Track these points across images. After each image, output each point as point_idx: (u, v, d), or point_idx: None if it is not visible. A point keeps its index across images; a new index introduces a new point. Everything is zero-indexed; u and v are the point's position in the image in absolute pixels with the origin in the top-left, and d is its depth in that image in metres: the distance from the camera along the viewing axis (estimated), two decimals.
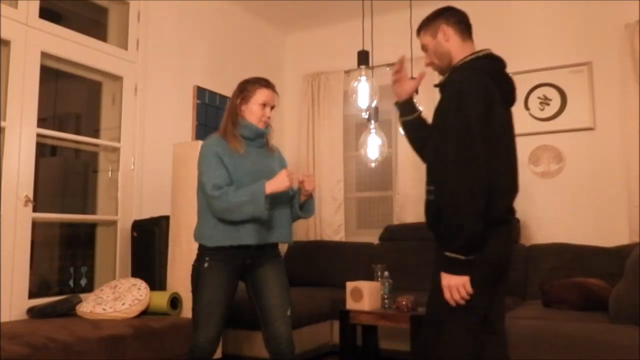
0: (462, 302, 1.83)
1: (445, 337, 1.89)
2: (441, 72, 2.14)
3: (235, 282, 2.52)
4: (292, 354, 2.48)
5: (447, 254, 1.82)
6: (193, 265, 2.51)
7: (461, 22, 2.08)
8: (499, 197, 1.88)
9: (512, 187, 1.97)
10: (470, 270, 1.82)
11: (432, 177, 1.98)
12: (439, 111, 1.96)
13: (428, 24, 2.12)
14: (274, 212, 2.47)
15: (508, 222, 1.94)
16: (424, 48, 2.13)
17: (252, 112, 2.56)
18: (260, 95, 2.59)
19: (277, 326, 2.46)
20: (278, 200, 2.49)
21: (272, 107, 2.61)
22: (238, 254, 2.45)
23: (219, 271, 2.44)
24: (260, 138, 2.59)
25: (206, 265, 2.43)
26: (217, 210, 2.37)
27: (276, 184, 2.32)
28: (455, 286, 1.82)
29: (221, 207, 2.35)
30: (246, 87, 2.61)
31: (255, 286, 2.53)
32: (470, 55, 2.04)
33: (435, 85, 2.13)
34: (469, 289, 1.82)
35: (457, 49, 2.06)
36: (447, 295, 1.85)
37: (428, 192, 2.00)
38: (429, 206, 2.00)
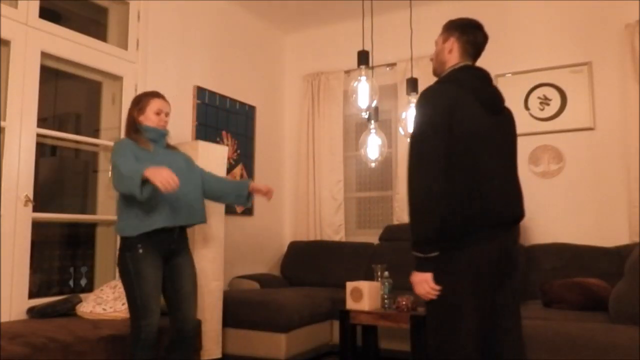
0: (431, 296, 1.97)
1: (445, 340, 1.96)
2: (434, 73, 2.29)
3: (163, 268, 2.71)
4: (194, 334, 2.82)
5: (413, 253, 1.98)
6: (123, 257, 2.63)
7: (471, 44, 2.18)
8: (467, 203, 1.96)
9: (495, 192, 2.01)
10: (431, 269, 1.96)
11: None
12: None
13: (447, 28, 2.24)
14: (185, 196, 2.72)
15: (485, 227, 1.98)
16: (435, 43, 2.27)
17: (150, 119, 2.80)
18: (155, 104, 2.81)
19: (187, 312, 2.74)
20: (188, 184, 2.75)
21: (167, 114, 2.86)
22: (165, 239, 2.67)
23: (153, 255, 2.62)
24: (162, 138, 2.85)
25: (141, 251, 2.60)
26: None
27: (154, 174, 2.39)
28: (419, 282, 1.98)
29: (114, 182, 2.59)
30: (141, 100, 2.84)
31: (172, 273, 2.74)
32: (448, 68, 2.18)
33: None
34: (432, 285, 1.96)
35: (451, 63, 2.18)
36: (415, 290, 2.01)
37: None
38: None
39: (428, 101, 2.04)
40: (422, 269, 1.97)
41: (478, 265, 1.96)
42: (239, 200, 3.03)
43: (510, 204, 2.11)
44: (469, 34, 2.18)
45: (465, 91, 2.05)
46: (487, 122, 2.06)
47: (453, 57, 2.18)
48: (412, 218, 1.97)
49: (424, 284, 1.96)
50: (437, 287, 1.96)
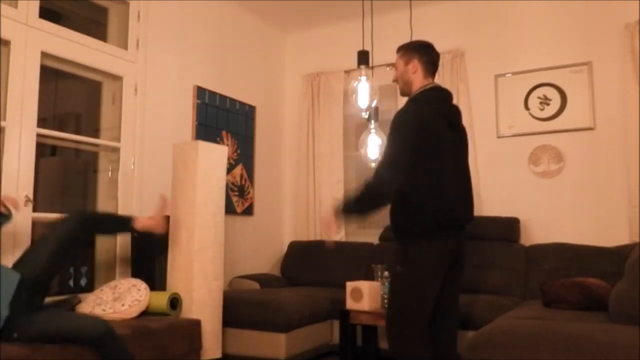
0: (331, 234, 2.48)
1: (404, 318, 2.34)
2: (401, 93, 2.59)
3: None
4: (99, 342, 2.49)
5: (343, 212, 2.43)
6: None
7: (431, 63, 2.48)
8: (437, 206, 2.31)
9: (456, 197, 2.36)
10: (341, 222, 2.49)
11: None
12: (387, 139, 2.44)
13: (407, 51, 2.52)
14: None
15: (452, 227, 2.37)
16: (395, 66, 2.55)
17: None
18: None
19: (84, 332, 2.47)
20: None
21: None
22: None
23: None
24: None
25: (15, 335, 2.42)
26: None
27: None
28: (331, 224, 2.48)
29: None
30: None
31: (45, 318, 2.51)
32: (419, 88, 2.47)
33: None
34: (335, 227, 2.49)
35: (417, 83, 2.48)
36: (325, 227, 2.55)
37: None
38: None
39: (403, 123, 2.35)
40: (339, 218, 2.44)
41: (441, 256, 2.34)
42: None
43: (467, 208, 2.48)
44: (428, 54, 2.48)
45: (435, 110, 2.37)
46: (450, 137, 2.42)
47: (418, 77, 2.47)
48: (364, 199, 2.36)
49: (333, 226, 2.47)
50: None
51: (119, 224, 3.05)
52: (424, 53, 2.49)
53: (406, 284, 2.36)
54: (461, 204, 2.43)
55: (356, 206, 2.42)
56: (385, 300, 3.37)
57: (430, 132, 2.33)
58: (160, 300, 3.18)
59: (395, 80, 2.58)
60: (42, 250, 2.66)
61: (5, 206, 2.65)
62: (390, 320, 2.41)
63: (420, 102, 2.42)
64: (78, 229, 2.74)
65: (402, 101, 4.72)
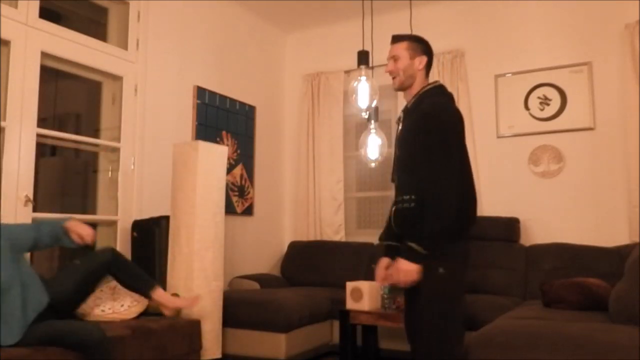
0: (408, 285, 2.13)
1: (447, 312, 2.17)
2: (398, 86, 2.39)
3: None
4: None
5: (425, 244, 2.09)
6: None
7: (430, 65, 2.40)
8: (468, 205, 2.22)
9: (474, 196, 2.26)
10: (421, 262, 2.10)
11: (413, 188, 2.21)
12: (415, 131, 2.24)
13: (414, 44, 2.36)
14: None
15: (469, 225, 2.25)
16: (395, 58, 2.35)
17: None
18: None
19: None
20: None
21: None
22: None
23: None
24: None
25: None
26: None
27: None
28: (410, 271, 2.09)
29: None
30: None
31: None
32: (429, 85, 2.34)
33: (404, 110, 2.39)
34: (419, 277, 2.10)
35: (420, 79, 2.35)
36: (400, 277, 2.12)
37: (402, 202, 2.26)
38: (402, 213, 2.26)
39: (445, 113, 2.22)
40: (418, 260, 2.09)
41: (467, 255, 2.24)
42: (60, 244, 2.60)
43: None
44: (430, 55, 2.39)
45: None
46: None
47: (422, 74, 2.34)
48: (436, 213, 2.08)
49: (415, 273, 2.09)
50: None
51: (141, 283, 2.93)
52: (429, 53, 2.39)
53: (452, 285, 2.18)
54: (475, 202, 2.33)
55: (444, 228, 2.08)
56: (386, 301, 3.38)
57: (459, 130, 2.25)
58: None
59: (393, 72, 2.36)
60: (67, 280, 2.72)
61: (80, 236, 2.57)
62: (435, 326, 2.16)
63: (447, 95, 2.33)
64: (104, 269, 2.83)
65: (402, 101, 4.73)
